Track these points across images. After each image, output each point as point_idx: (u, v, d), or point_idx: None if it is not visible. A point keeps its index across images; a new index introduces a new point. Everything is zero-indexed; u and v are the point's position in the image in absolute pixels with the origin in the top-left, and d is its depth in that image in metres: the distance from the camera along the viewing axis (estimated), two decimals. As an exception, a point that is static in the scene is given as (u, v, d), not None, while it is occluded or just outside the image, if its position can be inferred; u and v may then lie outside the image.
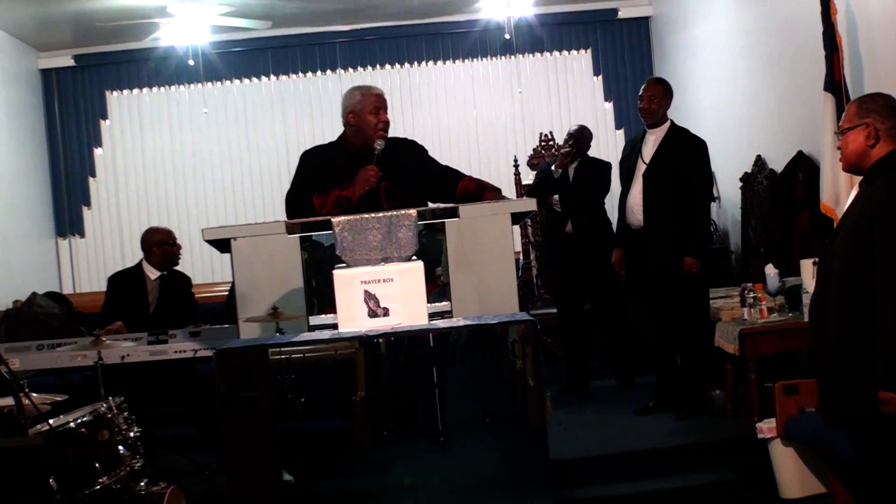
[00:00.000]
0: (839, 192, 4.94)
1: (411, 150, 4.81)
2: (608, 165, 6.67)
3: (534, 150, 7.94)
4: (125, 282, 5.91)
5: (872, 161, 3.26)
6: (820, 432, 4.08)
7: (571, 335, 6.57)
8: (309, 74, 9.04)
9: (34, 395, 3.70)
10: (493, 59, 9.01)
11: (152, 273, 5.87)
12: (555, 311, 7.05)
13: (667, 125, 5.63)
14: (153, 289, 5.86)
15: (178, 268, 6.07)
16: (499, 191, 4.69)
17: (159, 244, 5.89)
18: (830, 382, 3.26)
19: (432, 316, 3.92)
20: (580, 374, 6.57)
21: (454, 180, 4.80)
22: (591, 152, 6.70)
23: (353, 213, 4.08)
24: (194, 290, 6.23)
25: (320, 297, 4.34)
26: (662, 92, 5.63)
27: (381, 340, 3.91)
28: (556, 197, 6.50)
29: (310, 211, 4.47)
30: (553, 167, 6.53)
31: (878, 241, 3.11)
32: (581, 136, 6.56)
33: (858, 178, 3.53)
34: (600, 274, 6.31)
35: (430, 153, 5.04)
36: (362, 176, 4.51)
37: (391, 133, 4.74)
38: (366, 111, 4.63)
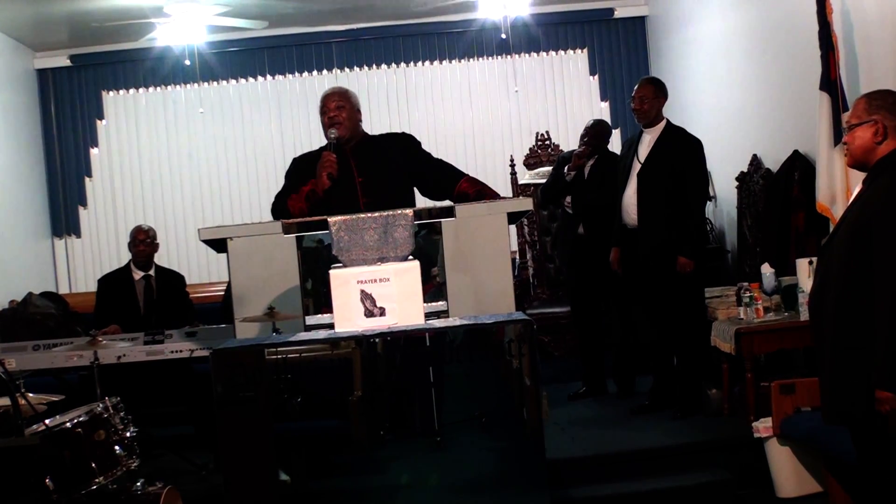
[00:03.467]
0: (835, 191, 4.94)
1: (400, 144, 4.86)
2: None
3: (530, 149, 7.94)
4: (114, 283, 5.92)
5: (878, 158, 3.26)
6: (816, 431, 4.09)
7: (587, 338, 6.29)
8: (305, 74, 9.03)
9: (30, 395, 3.71)
10: (490, 58, 9.01)
11: (137, 273, 5.88)
12: (551, 310, 7.04)
13: (662, 124, 5.63)
14: (140, 289, 5.86)
15: (171, 267, 6.07)
16: (498, 196, 4.70)
17: (131, 243, 5.94)
18: (828, 379, 3.26)
19: (429, 315, 3.91)
20: (598, 376, 6.29)
21: (452, 177, 4.81)
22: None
23: (345, 211, 4.08)
24: (190, 289, 6.23)
25: (317, 296, 4.34)
26: (654, 92, 5.62)
27: (377, 340, 3.91)
28: (569, 198, 6.27)
29: (287, 212, 4.58)
30: (566, 169, 6.15)
31: (877, 238, 3.11)
32: (597, 132, 6.19)
33: (855, 177, 3.54)
34: (611, 277, 5.97)
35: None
36: (319, 164, 4.60)
37: (380, 130, 4.80)
38: (321, 114, 4.80)
